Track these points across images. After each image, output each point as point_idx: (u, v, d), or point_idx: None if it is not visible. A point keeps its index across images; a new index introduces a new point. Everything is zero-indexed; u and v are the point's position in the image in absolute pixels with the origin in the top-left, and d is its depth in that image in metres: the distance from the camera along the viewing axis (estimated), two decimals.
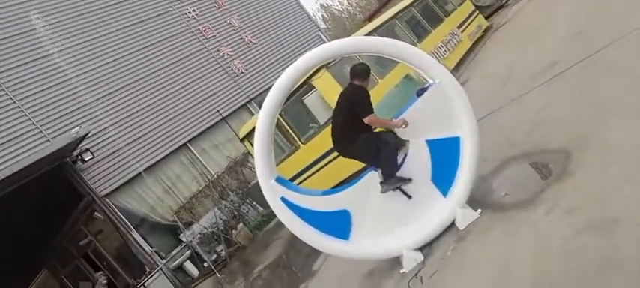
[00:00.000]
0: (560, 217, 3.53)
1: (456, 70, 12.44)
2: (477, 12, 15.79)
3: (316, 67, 6.80)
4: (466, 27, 14.47)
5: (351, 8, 51.49)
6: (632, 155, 3.59)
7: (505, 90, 7.53)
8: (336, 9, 52.11)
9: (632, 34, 5.51)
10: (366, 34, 11.45)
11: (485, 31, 15.14)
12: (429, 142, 4.71)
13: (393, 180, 4.72)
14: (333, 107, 5.27)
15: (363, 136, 4.81)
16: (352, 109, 4.82)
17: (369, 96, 4.88)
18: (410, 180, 4.74)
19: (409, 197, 4.78)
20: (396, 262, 4.89)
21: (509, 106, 6.66)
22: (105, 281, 11.97)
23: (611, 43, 5.77)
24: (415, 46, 12.20)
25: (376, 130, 5.06)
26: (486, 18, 16.38)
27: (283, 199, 4.85)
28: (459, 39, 13.69)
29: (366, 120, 4.69)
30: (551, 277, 3.05)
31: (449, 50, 12.91)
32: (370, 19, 22.47)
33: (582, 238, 3.14)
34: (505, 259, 3.61)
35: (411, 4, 13.65)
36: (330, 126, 5.22)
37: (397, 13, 13.05)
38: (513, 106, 6.54)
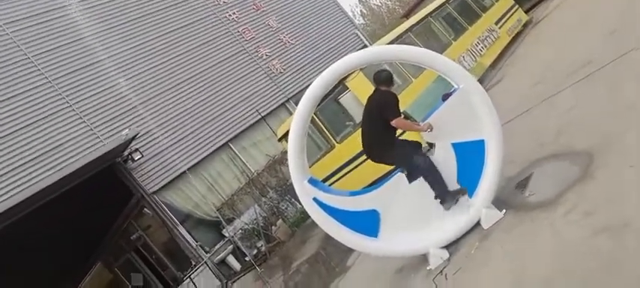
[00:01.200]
0: (578, 218, 3.67)
1: (493, 66, 12.41)
2: (517, 6, 15.58)
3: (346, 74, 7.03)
4: (505, 22, 14.33)
5: (389, 3, 51.29)
6: None
7: (538, 89, 7.55)
8: (374, 4, 52.02)
9: None
10: (402, 33, 11.64)
11: (525, 25, 14.93)
12: (455, 145, 4.90)
13: (449, 196, 4.87)
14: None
15: (394, 144, 5.00)
16: (381, 114, 5.03)
17: (397, 100, 5.10)
18: (465, 189, 4.86)
19: (436, 197, 4.98)
20: (424, 259, 5.11)
21: (541, 106, 6.70)
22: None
23: None
24: (451, 43, 12.29)
25: (404, 140, 5.23)
26: (526, 11, 16.12)
27: (315, 200, 5.16)
28: (497, 35, 13.59)
29: (393, 123, 4.90)
30: (564, 276, 3.21)
31: (486, 47, 12.85)
32: (407, 15, 22.46)
33: (597, 238, 3.28)
34: (524, 257, 3.78)
35: (447, 1, 13.66)
36: (361, 131, 5.46)
37: (433, 11, 13.10)
38: (544, 106, 6.58)
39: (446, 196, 4.87)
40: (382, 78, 5.13)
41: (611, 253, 3.08)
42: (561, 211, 3.91)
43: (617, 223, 3.28)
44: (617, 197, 3.58)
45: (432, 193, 4.90)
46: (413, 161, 4.92)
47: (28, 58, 12.50)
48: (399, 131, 5.24)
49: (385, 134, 5.05)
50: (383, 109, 5.01)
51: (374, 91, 5.25)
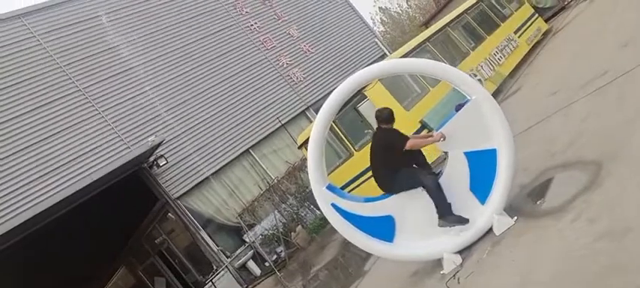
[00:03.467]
0: (583, 225, 3.84)
1: (511, 75, 12.50)
2: (537, 15, 15.61)
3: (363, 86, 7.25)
4: (524, 31, 14.39)
5: (410, 10, 51.34)
6: None
7: (554, 99, 7.66)
8: (395, 11, 52.15)
9: None
10: (421, 42, 11.84)
11: (545, 34, 14.95)
12: (467, 154, 5.09)
13: (450, 218, 5.05)
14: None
15: (400, 173, 5.25)
16: (387, 150, 5.37)
17: (399, 132, 5.45)
18: (467, 220, 5.05)
19: (437, 213, 5.15)
20: (438, 263, 5.30)
21: (555, 116, 6.83)
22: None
23: None
24: (469, 52, 12.42)
25: (411, 167, 5.43)
26: (546, 21, 16.13)
27: (333, 205, 5.41)
28: (516, 44, 13.66)
29: (408, 147, 5.18)
30: (567, 280, 3.39)
31: (504, 56, 12.93)
32: (427, 24, 22.59)
33: (599, 243, 3.45)
34: (531, 262, 3.96)
35: (465, 11, 13.81)
36: (371, 168, 5.68)
37: (452, 21, 13.26)
38: (559, 116, 6.72)
39: (446, 216, 5.05)
40: (384, 116, 5.45)
41: (612, 258, 3.25)
42: (568, 218, 4.08)
43: (619, 229, 3.44)
44: (619, 204, 3.74)
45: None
46: (421, 182, 5.15)
47: (60, 68, 13.09)
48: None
49: (393, 164, 5.32)
50: (389, 143, 5.34)
51: (377, 130, 5.58)
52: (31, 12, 13.33)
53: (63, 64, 13.19)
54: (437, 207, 5.10)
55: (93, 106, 13.04)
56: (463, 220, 5.07)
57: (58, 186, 11.64)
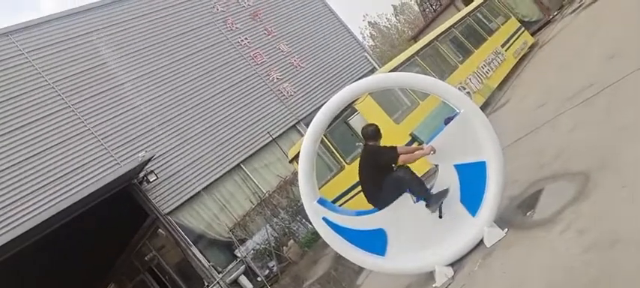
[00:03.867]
0: (572, 236, 3.88)
1: (499, 88, 12.65)
2: (523, 29, 15.85)
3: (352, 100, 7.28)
4: (511, 45, 14.60)
5: (399, 25, 51.93)
6: None
7: (542, 111, 7.77)
8: (384, 26, 52.72)
9: None
10: (410, 57, 11.96)
11: (531, 47, 15.18)
12: (457, 167, 5.14)
13: (433, 199, 5.12)
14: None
15: (384, 182, 5.29)
16: (375, 165, 5.41)
17: (385, 147, 5.52)
18: (447, 190, 5.11)
19: (440, 217, 5.20)
20: (430, 276, 5.31)
21: (543, 127, 6.92)
22: None
23: None
24: (458, 66, 12.57)
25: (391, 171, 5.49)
26: (532, 34, 16.38)
27: (325, 219, 5.41)
28: (503, 58, 13.85)
29: (400, 160, 5.24)
30: None
31: (492, 69, 13.09)
32: (416, 38, 22.85)
33: (588, 255, 3.49)
34: (522, 274, 3.99)
35: (453, 25, 13.99)
36: (360, 183, 5.69)
37: (440, 35, 13.41)
38: (546, 128, 6.80)
39: (430, 199, 5.11)
40: (369, 133, 5.52)
41: (601, 269, 3.28)
42: (558, 230, 4.12)
43: (607, 241, 3.49)
44: (607, 215, 3.79)
45: (436, 212, 5.14)
46: (396, 176, 5.23)
47: (48, 84, 13.02)
48: None
49: (380, 176, 5.36)
50: (377, 159, 5.40)
51: (364, 147, 5.63)
52: (18, 30, 13.29)
53: (51, 81, 13.13)
54: (420, 195, 5.14)
55: (82, 122, 12.97)
56: (444, 193, 5.09)
57: (47, 202, 11.53)
